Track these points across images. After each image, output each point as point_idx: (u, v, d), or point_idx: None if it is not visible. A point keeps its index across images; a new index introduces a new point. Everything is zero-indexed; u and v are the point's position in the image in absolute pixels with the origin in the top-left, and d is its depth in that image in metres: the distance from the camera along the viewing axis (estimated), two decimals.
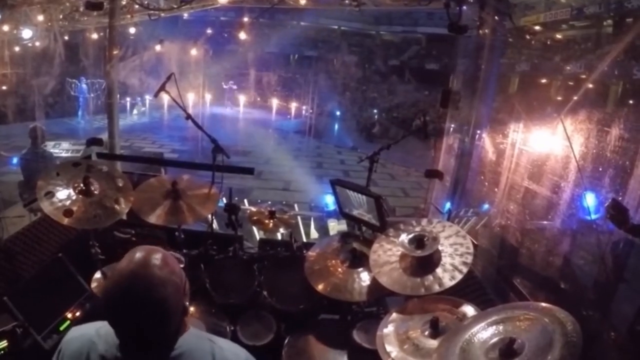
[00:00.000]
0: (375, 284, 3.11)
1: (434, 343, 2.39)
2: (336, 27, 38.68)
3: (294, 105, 30.39)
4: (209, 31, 29.13)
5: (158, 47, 16.92)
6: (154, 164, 7.32)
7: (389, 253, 3.10)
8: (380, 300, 3.61)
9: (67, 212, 3.27)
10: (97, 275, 3.65)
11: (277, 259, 4.18)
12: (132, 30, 14.72)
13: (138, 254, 1.59)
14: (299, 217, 8.37)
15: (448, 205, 6.78)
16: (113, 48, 7.38)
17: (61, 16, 11.74)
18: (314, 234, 9.53)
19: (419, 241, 2.94)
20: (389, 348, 2.48)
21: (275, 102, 30.31)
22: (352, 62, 34.66)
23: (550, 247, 6.19)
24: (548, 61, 20.32)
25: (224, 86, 32.05)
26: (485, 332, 1.98)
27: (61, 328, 3.37)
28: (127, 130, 19.79)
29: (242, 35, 11.76)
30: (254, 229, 5.87)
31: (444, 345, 2.10)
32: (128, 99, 25.63)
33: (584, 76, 16.08)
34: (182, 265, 1.67)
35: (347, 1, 8.15)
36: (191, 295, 1.75)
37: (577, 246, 5.72)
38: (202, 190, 3.95)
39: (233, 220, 4.16)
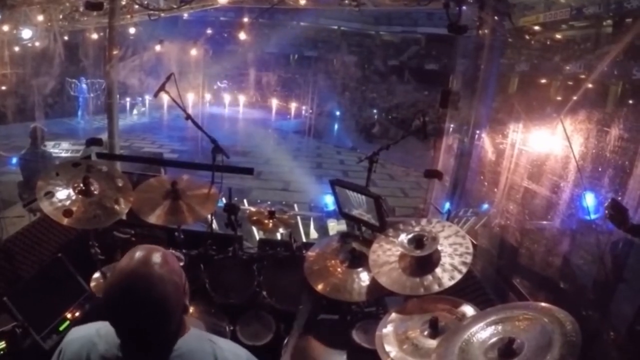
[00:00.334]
0: (374, 284, 3.12)
1: (433, 343, 2.39)
2: (336, 27, 38.68)
3: (293, 106, 30.39)
4: (209, 31, 29.11)
5: (158, 47, 16.92)
6: (154, 164, 7.32)
7: (388, 253, 3.10)
8: (379, 300, 3.61)
9: (67, 212, 3.27)
10: (97, 275, 3.65)
11: (276, 259, 4.18)
12: (131, 30, 14.70)
13: (138, 252, 1.60)
14: (298, 217, 8.39)
15: (447, 205, 6.79)
16: (113, 48, 7.39)
17: (61, 16, 11.74)
18: (314, 234, 9.54)
19: (418, 241, 2.94)
20: (388, 348, 2.49)
21: (274, 102, 30.33)
22: (352, 62, 34.67)
23: (550, 247, 6.19)
24: (547, 61, 20.33)
25: (216, 85, 31.96)
26: (484, 332, 1.98)
27: (61, 328, 3.37)
28: (126, 131, 19.79)
29: (242, 36, 11.76)
30: (254, 229, 5.88)
31: (443, 345, 2.10)
32: (128, 99, 25.62)
33: (583, 76, 16.10)
34: (181, 264, 1.68)
35: (346, 1, 8.16)
36: (190, 295, 1.76)
37: (577, 246, 5.72)
38: (202, 191, 3.95)
39: (232, 221, 4.16)
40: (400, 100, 31.31)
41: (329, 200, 9.83)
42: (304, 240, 7.55)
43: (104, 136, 6.96)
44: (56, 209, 3.27)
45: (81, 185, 3.44)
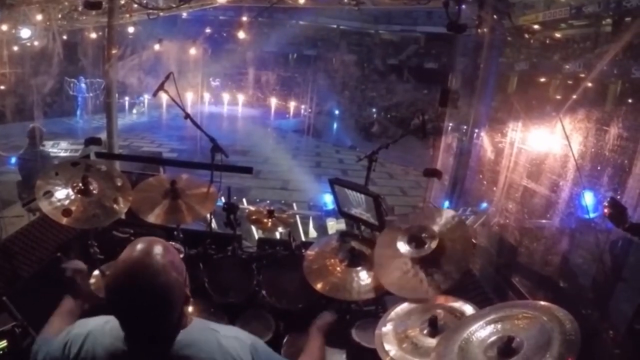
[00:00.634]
0: (374, 283, 3.12)
1: (432, 342, 2.39)
2: (335, 26, 38.64)
3: (292, 105, 30.40)
4: (208, 30, 29.18)
5: (157, 47, 16.97)
6: (153, 163, 7.32)
7: (389, 254, 3.10)
8: (379, 299, 3.61)
9: (66, 212, 3.26)
10: (96, 274, 3.64)
11: (275, 258, 4.18)
12: (131, 29, 14.74)
13: (140, 244, 1.65)
14: (297, 216, 8.38)
15: (447, 204, 6.81)
16: (112, 47, 7.39)
17: (60, 15, 11.76)
18: (313, 233, 9.55)
19: (417, 241, 2.93)
20: (387, 347, 2.48)
21: (274, 101, 30.33)
22: (351, 61, 34.63)
23: (549, 245, 6.21)
24: (547, 60, 20.32)
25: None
26: (483, 331, 1.98)
27: None
28: (125, 130, 19.78)
29: (241, 35, 11.80)
30: (253, 228, 5.87)
31: (442, 344, 2.10)
32: (127, 98, 25.63)
33: (582, 75, 16.09)
34: (181, 256, 1.72)
35: (346, 0, 8.16)
36: (190, 294, 1.77)
37: (576, 245, 5.73)
38: (201, 190, 3.94)
39: (232, 220, 4.16)
40: (399, 99, 31.29)
41: (328, 199, 9.85)
42: (303, 239, 7.56)
43: (103, 135, 6.97)
44: (55, 208, 3.26)
45: (80, 184, 3.43)
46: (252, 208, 4.63)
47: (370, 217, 3.59)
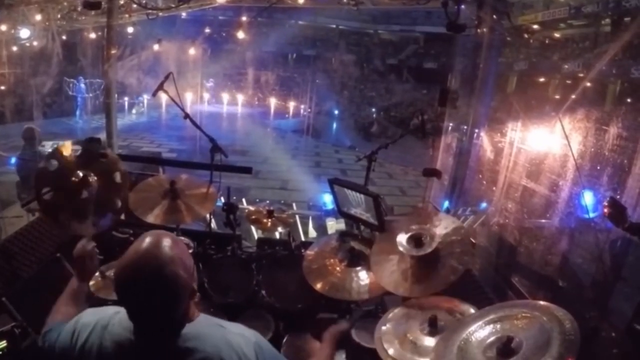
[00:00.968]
0: (374, 283, 3.12)
1: (432, 341, 2.39)
2: (334, 26, 38.63)
3: (292, 105, 30.39)
4: (207, 30, 29.17)
5: (156, 47, 16.93)
6: (152, 163, 7.31)
7: (389, 253, 3.10)
8: (378, 298, 3.61)
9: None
10: (95, 274, 3.64)
11: (275, 258, 4.18)
12: (130, 29, 14.73)
13: (149, 236, 1.68)
14: (297, 216, 8.37)
15: (446, 203, 6.81)
16: (111, 47, 7.39)
17: (59, 15, 11.74)
18: (312, 232, 9.55)
19: (416, 240, 2.94)
20: (387, 346, 2.49)
21: (273, 101, 30.32)
22: (350, 61, 34.60)
23: (549, 245, 6.20)
24: (546, 60, 20.31)
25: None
26: (482, 331, 1.98)
27: None
28: (125, 130, 19.76)
29: (241, 35, 11.78)
30: (252, 228, 5.87)
31: (442, 344, 2.10)
32: (126, 98, 25.59)
33: (582, 75, 16.08)
34: (190, 251, 1.73)
35: (345, 0, 8.17)
36: (196, 288, 1.78)
37: (576, 244, 5.73)
38: (200, 190, 3.94)
39: (231, 220, 4.16)
40: (398, 99, 31.28)
41: (327, 199, 9.85)
42: (303, 239, 7.55)
43: (103, 136, 6.96)
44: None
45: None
46: (251, 208, 4.63)
47: (370, 217, 3.59)
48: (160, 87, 3.88)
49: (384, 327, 2.63)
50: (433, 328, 2.46)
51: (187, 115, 4.01)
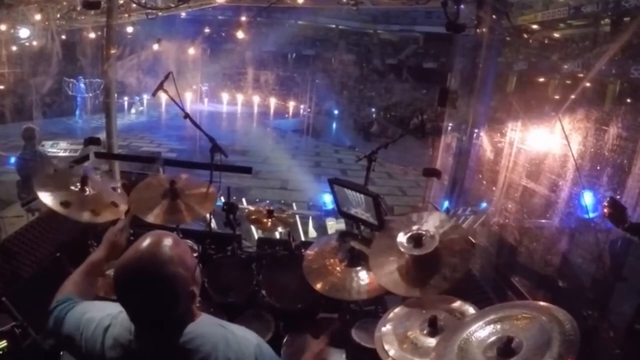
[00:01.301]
0: (374, 283, 3.12)
1: (432, 342, 2.39)
2: (334, 25, 38.66)
3: (291, 104, 30.40)
4: (207, 30, 29.16)
5: (156, 46, 16.91)
6: (152, 163, 7.31)
7: (388, 253, 3.10)
8: (378, 298, 3.61)
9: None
10: None
11: (275, 258, 4.18)
12: (129, 29, 14.69)
13: (150, 236, 1.67)
14: (297, 216, 8.37)
15: (446, 204, 6.80)
16: (111, 47, 7.37)
17: (58, 15, 11.73)
18: (312, 232, 9.55)
19: (416, 240, 2.94)
20: (387, 347, 2.49)
21: (273, 101, 30.32)
22: (350, 61, 34.63)
23: (549, 245, 6.20)
24: (546, 60, 20.31)
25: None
26: (483, 331, 1.98)
27: None
28: (125, 130, 19.78)
29: (240, 34, 11.80)
30: (252, 228, 5.88)
31: (442, 344, 2.10)
32: (126, 98, 25.61)
33: (581, 75, 16.08)
34: (195, 255, 1.70)
35: (344, 0, 8.16)
36: (197, 291, 1.77)
37: (576, 245, 5.72)
38: (200, 190, 3.94)
39: (231, 220, 4.16)
40: (398, 99, 31.31)
41: (327, 199, 9.85)
42: (303, 239, 7.56)
43: (102, 135, 6.95)
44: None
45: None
46: (251, 208, 4.64)
47: (370, 217, 3.59)
48: (160, 87, 3.88)
49: (384, 328, 2.63)
50: (433, 328, 2.46)
51: (187, 115, 4.00)
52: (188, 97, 23.22)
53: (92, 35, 17.27)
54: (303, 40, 37.41)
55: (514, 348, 1.81)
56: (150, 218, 3.64)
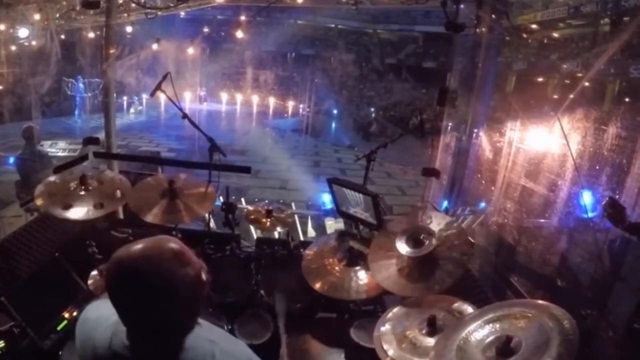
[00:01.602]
0: (372, 283, 3.12)
1: (431, 341, 2.39)
2: (333, 25, 38.63)
3: (291, 104, 30.40)
4: (206, 30, 29.14)
5: (155, 46, 16.90)
6: (151, 162, 7.31)
7: (387, 252, 3.10)
8: (377, 298, 3.61)
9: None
10: (94, 274, 3.64)
11: (274, 257, 4.18)
12: (129, 29, 14.70)
13: (155, 238, 1.61)
14: (296, 216, 8.38)
15: (445, 203, 6.79)
16: (110, 47, 7.35)
17: (57, 15, 11.70)
18: (311, 232, 9.55)
19: (415, 240, 2.94)
20: (386, 346, 2.49)
21: (272, 101, 30.31)
22: (349, 60, 34.63)
23: (547, 245, 6.20)
24: (545, 60, 20.32)
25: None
26: (482, 330, 1.98)
27: (58, 328, 3.35)
28: (124, 129, 19.80)
29: (239, 34, 11.77)
30: (251, 227, 5.87)
31: (441, 344, 2.10)
32: (125, 98, 25.63)
33: (580, 74, 16.09)
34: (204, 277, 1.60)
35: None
36: (196, 316, 1.69)
37: (574, 244, 5.72)
38: (199, 189, 3.94)
39: (230, 219, 4.16)
40: (397, 99, 31.35)
41: (326, 199, 9.85)
42: (302, 238, 7.56)
43: (101, 135, 6.93)
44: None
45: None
46: (250, 208, 4.63)
47: (369, 217, 3.59)
48: (158, 87, 3.87)
49: (383, 327, 2.63)
50: (432, 328, 2.46)
51: (185, 115, 4.00)
52: (187, 97, 23.22)
53: (91, 35, 17.24)
54: (302, 39, 37.40)
55: (513, 347, 1.81)
56: (149, 218, 3.64)
